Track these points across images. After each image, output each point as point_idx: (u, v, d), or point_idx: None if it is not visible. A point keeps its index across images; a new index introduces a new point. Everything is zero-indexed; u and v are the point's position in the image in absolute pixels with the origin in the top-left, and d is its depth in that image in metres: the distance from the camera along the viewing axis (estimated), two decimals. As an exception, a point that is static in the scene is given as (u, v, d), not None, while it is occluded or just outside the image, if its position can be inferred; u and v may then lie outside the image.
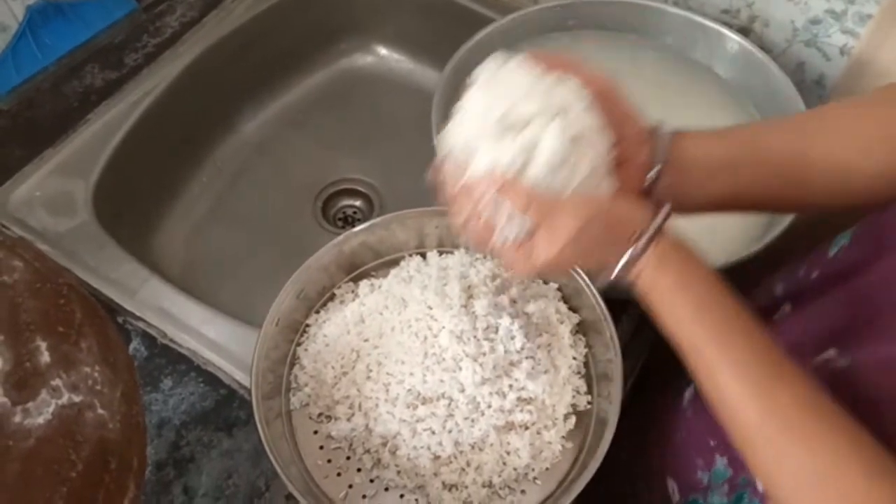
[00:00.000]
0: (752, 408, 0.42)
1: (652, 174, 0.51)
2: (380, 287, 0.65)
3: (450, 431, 0.56)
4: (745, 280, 0.67)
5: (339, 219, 0.99)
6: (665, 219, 0.47)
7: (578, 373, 0.61)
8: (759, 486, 0.51)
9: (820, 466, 0.40)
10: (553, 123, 0.46)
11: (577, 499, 0.54)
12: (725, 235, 0.72)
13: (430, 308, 0.60)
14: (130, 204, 0.87)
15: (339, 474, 0.57)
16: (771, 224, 0.70)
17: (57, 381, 0.39)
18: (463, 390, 0.57)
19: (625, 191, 0.50)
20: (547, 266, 0.47)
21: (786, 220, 0.67)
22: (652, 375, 0.71)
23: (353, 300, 0.64)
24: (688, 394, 0.63)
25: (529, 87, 0.48)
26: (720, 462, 0.57)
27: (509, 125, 0.46)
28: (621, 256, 0.46)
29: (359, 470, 0.57)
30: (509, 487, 0.57)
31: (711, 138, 0.53)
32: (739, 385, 0.43)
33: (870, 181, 0.52)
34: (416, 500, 0.56)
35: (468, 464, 0.56)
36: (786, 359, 0.44)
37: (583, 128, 0.47)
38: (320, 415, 0.60)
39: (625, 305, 0.73)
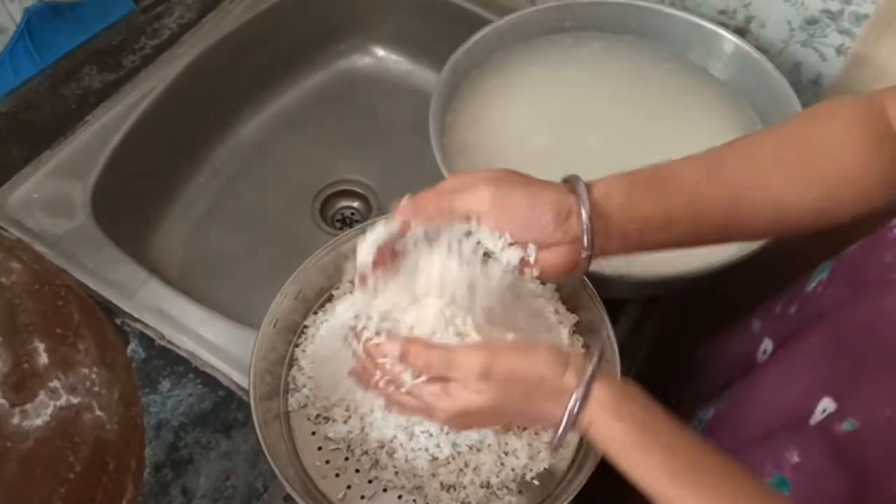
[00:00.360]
0: None
1: (585, 237, 0.48)
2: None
3: (447, 433, 0.56)
4: (732, 284, 0.68)
5: (338, 220, 0.99)
6: (599, 360, 0.45)
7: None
8: None
9: None
10: (439, 297, 0.48)
11: (574, 499, 0.54)
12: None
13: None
14: (129, 205, 0.87)
15: (337, 475, 0.58)
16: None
17: (55, 383, 0.39)
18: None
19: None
20: (470, 410, 0.46)
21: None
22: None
23: (351, 301, 0.65)
24: None
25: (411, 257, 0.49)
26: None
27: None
28: (561, 406, 0.44)
29: (357, 471, 0.57)
30: (507, 488, 0.57)
31: (640, 192, 0.50)
32: None
33: (809, 215, 0.52)
34: (415, 500, 0.56)
35: (466, 464, 0.56)
36: (762, 488, 0.43)
37: (471, 275, 0.47)
38: (318, 416, 0.60)
39: (623, 306, 0.73)
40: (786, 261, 0.66)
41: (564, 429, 0.45)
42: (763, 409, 0.55)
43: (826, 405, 0.48)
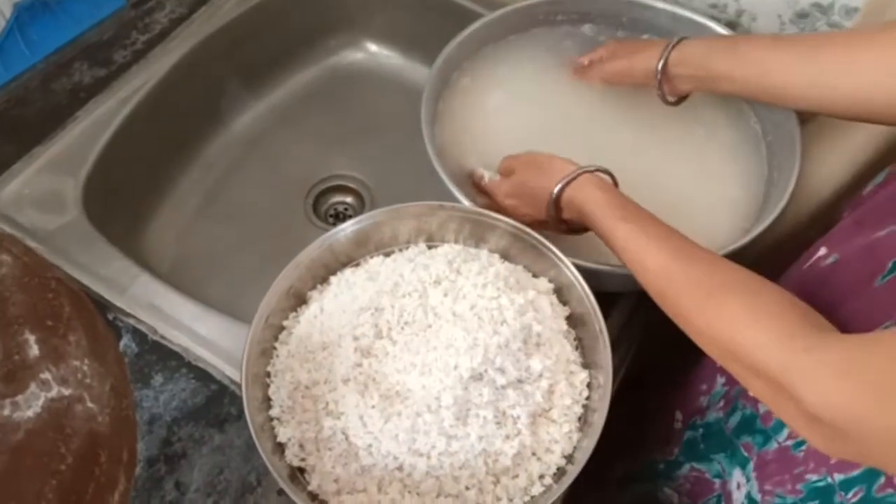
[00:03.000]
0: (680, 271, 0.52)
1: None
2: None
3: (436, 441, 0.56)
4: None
5: (331, 215, 0.99)
6: (594, 170, 0.62)
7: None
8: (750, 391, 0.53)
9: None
10: None
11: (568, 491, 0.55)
12: (711, 229, 0.73)
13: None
14: (120, 201, 0.87)
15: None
16: (759, 218, 0.71)
17: (46, 375, 0.39)
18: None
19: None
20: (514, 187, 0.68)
21: (772, 216, 0.68)
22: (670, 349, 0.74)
23: (344, 295, 0.64)
24: None
25: None
26: (719, 381, 0.62)
27: None
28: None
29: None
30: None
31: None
32: (664, 257, 0.53)
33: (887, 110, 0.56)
34: (409, 491, 0.56)
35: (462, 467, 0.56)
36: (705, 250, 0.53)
37: None
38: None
39: (615, 299, 0.73)
40: (776, 256, 0.67)
41: (555, 196, 0.62)
42: None
43: (821, 251, 0.57)
